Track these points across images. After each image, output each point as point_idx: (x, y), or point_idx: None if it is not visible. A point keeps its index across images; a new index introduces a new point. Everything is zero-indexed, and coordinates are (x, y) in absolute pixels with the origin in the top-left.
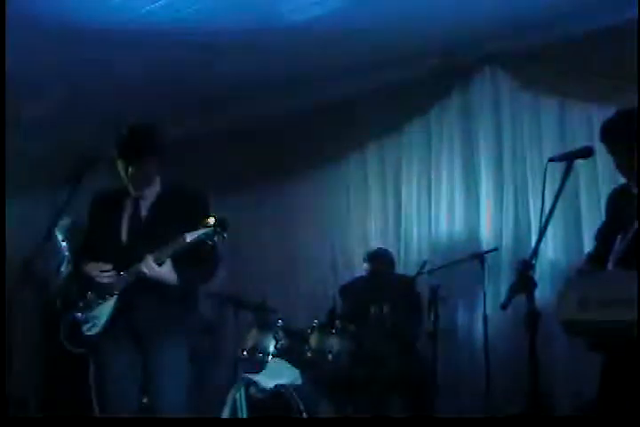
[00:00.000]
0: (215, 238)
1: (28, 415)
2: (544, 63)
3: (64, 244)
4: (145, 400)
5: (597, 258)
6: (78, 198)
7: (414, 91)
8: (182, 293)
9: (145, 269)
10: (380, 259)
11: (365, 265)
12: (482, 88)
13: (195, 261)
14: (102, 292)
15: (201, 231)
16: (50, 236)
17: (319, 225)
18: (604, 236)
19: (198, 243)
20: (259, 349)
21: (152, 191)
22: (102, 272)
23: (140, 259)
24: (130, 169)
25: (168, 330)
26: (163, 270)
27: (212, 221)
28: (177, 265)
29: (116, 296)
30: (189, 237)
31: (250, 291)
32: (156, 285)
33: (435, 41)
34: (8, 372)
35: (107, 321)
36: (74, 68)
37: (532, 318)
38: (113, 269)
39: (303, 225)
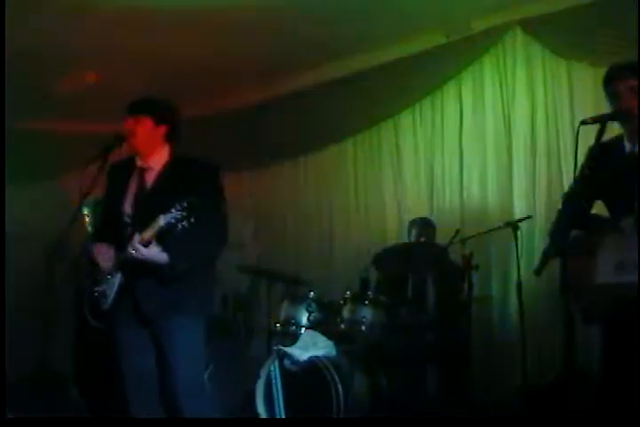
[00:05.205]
0: (184, 222)
1: (70, 392)
2: (575, 27)
3: (87, 219)
4: None
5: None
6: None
7: (446, 57)
8: (179, 271)
9: (132, 251)
10: (424, 227)
11: (410, 232)
12: (513, 54)
13: (196, 238)
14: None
15: (169, 215)
16: (78, 215)
17: (352, 197)
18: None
19: (171, 226)
20: (292, 321)
21: (159, 162)
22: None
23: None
24: (133, 128)
25: (171, 309)
26: (149, 252)
27: (184, 204)
28: (172, 244)
29: (120, 273)
30: (162, 221)
31: (283, 264)
32: (151, 264)
33: (465, 6)
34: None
35: (113, 298)
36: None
37: (567, 283)
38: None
39: (337, 197)
